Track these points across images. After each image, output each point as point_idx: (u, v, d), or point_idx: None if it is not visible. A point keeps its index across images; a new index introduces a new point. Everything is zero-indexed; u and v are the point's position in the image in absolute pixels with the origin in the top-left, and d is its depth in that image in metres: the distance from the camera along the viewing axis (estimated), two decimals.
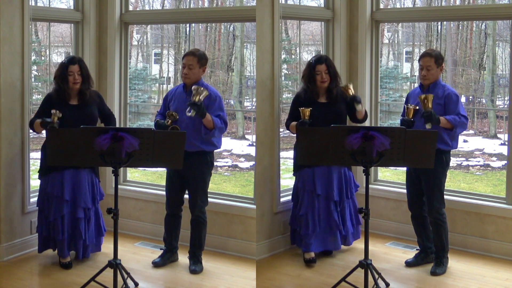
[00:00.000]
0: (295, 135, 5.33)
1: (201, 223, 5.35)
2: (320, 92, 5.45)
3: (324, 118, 5.27)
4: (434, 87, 5.18)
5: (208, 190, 5.38)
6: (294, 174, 5.64)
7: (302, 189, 5.50)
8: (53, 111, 5.03)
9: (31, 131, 5.40)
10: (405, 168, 5.47)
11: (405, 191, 5.61)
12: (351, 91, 5.37)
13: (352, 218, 5.63)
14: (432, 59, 5.14)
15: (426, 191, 5.23)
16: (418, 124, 5.06)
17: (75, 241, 5.31)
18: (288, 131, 5.74)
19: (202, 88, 4.99)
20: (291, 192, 5.72)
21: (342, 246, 5.65)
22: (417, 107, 5.07)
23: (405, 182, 5.46)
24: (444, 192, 5.28)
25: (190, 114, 4.99)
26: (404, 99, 5.55)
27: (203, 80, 5.28)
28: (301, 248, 5.55)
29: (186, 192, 5.43)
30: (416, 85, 5.90)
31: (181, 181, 5.33)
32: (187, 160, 4.95)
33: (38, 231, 5.40)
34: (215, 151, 5.36)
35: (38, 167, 5.36)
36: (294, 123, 5.39)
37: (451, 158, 5.28)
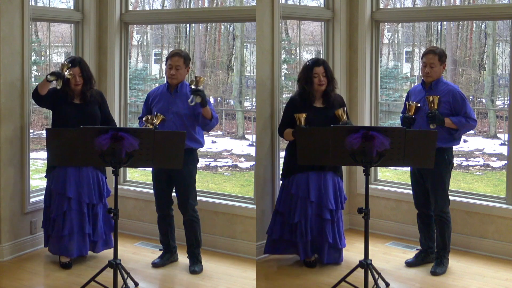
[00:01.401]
0: (288, 142, 5.23)
1: (195, 222, 5.33)
2: (316, 96, 5.30)
3: (321, 123, 5.06)
4: (436, 85, 5.14)
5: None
6: (282, 179, 5.41)
7: (296, 196, 5.29)
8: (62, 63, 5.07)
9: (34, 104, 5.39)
10: (405, 168, 5.45)
11: (405, 191, 5.61)
12: (344, 117, 5.10)
13: (335, 237, 5.31)
14: (436, 56, 5.10)
15: (430, 190, 5.20)
16: (419, 122, 5.06)
17: (82, 238, 5.28)
18: None
19: (199, 76, 5.03)
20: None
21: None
22: (419, 104, 5.05)
23: (405, 182, 5.45)
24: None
25: (193, 103, 4.98)
26: (404, 99, 5.53)
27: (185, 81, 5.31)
28: (299, 256, 5.37)
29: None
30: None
31: (168, 180, 5.30)
32: None
33: (43, 226, 5.45)
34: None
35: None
36: (289, 130, 5.22)
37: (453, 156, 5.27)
